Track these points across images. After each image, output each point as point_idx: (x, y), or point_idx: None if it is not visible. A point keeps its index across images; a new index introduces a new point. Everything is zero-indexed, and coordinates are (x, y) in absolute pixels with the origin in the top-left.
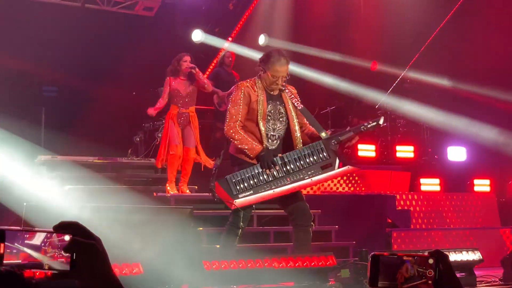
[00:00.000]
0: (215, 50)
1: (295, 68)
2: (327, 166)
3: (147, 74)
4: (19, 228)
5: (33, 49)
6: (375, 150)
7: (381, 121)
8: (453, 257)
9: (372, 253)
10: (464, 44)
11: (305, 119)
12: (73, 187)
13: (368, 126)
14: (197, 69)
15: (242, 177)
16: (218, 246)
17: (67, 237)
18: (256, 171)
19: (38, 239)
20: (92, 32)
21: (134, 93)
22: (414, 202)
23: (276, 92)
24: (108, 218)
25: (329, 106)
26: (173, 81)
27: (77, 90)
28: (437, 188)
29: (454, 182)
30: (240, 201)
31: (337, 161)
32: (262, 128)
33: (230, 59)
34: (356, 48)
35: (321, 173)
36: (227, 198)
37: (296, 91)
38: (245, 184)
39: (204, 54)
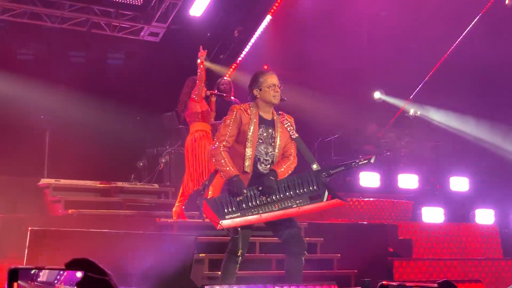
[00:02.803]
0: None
1: (298, 97)
2: (315, 197)
3: (151, 99)
4: (31, 267)
5: (37, 72)
6: (378, 179)
7: (372, 160)
8: None
9: (380, 283)
10: None
11: (291, 150)
12: (76, 211)
13: (360, 163)
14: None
15: (231, 199)
16: (219, 273)
17: (79, 274)
18: (245, 193)
19: (50, 276)
20: (97, 57)
21: (138, 118)
22: (416, 232)
23: (269, 117)
24: (111, 244)
25: (332, 134)
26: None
27: (81, 114)
28: (440, 218)
29: (457, 212)
30: (226, 222)
31: (326, 193)
32: (249, 152)
33: (224, 86)
34: (360, 77)
35: (309, 203)
36: (214, 218)
37: (293, 120)
38: (233, 206)
39: (209, 80)
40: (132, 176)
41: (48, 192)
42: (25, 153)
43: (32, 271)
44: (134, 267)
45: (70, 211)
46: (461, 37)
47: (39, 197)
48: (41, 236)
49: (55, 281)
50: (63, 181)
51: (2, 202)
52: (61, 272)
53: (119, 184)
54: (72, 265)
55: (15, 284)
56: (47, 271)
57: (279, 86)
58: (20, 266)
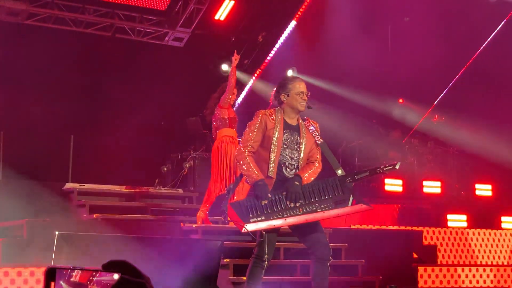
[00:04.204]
0: (244, 83)
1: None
2: (340, 202)
3: (176, 104)
4: (69, 266)
5: (62, 76)
6: (402, 185)
7: (397, 166)
8: None
9: None
10: None
11: (316, 155)
12: (101, 215)
13: (385, 169)
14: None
15: (256, 202)
16: (244, 278)
17: (116, 276)
18: (270, 197)
19: (84, 277)
20: (122, 61)
21: (162, 123)
22: (440, 238)
23: (294, 122)
24: (139, 249)
25: (356, 140)
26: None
27: (106, 119)
28: (464, 224)
29: (481, 218)
30: (251, 226)
31: (351, 198)
32: (273, 157)
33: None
34: (385, 82)
35: (334, 208)
36: (238, 222)
37: (318, 126)
38: (258, 210)
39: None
40: (157, 180)
41: (73, 197)
42: (49, 157)
43: (68, 271)
44: (159, 272)
45: (95, 215)
46: (485, 42)
47: (64, 202)
48: (68, 241)
49: (89, 282)
50: (88, 186)
51: (27, 206)
52: (95, 273)
53: (144, 188)
54: (109, 266)
55: (52, 284)
56: (81, 271)
57: (307, 94)
58: (57, 266)
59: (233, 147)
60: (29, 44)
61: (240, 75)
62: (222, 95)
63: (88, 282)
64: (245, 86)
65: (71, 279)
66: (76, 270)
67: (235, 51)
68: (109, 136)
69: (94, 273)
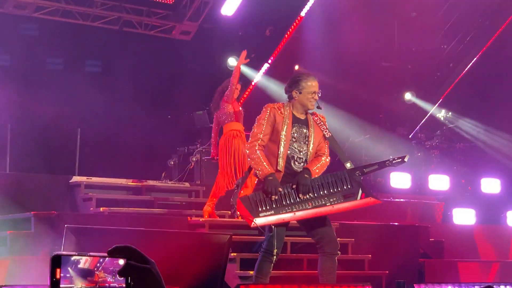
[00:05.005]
0: (251, 77)
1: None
2: (349, 196)
3: (182, 98)
4: (74, 253)
5: (69, 70)
6: (409, 180)
7: (406, 159)
8: None
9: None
10: None
11: (325, 149)
12: (107, 209)
13: (393, 162)
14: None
15: (264, 197)
16: (251, 272)
17: (121, 261)
18: (281, 191)
19: (91, 263)
20: (128, 55)
21: (169, 116)
22: (447, 233)
23: (303, 116)
24: (147, 243)
25: (363, 135)
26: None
27: (111, 112)
28: (471, 219)
29: (488, 214)
30: (260, 220)
31: (360, 191)
32: (282, 150)
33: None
34: (392, 78)
35: (343, 202)
36: (248, 216)
37: (325, 119)
38: (267, 204)
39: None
40: (163, 174)
41: (80, 190)
42: (56, 150)
43: (74, 258)
44: (167, 265)
45: (101, 209)
46: (492, 38)
47: (71, 195)
48: (77, 234)
49: (96, 269)
50: (94, 179)
51: (34, 199)
52: (102, 259)
53: (150, 182)
54: (115, 252)
55: (58, 270)
56: (88, 258)
57: (318, 93)
58: (63, 253)
59: (240, 141)
60: (37, 37)
61: (247, 69)
62: (226, 89)
63: (95, 269)
64: (252, 81)
65: (78, 266)
66: (82, 257)
67: (245, 51)
68: (116, 130)
69: (100, 259)
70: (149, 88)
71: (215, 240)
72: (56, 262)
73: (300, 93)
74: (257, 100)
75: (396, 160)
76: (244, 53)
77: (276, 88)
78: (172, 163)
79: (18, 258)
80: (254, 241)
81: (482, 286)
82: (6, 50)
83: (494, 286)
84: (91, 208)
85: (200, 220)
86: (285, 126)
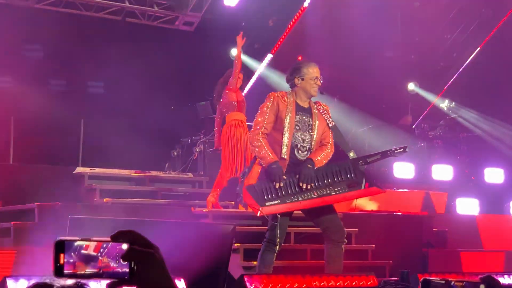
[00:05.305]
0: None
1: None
2: (353, 185)
3: (186, 88)
4: (77, 238)
5: (72, 60)
6: (412, 170)
7: (407, 149)
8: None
9: (423, 278)
10: None
11: (329, 138)
12: (111, 200)
13: (395, 151)
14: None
15: (270, 185)
16: (255, 263)
17: (124, 246)
18: (285, 179)
19: (94, 248)
20: (131, 46)
21: (172, 107)
22: (450, 223)
23: (306, 105)
24: (151, 233)
25: (365, 125)
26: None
27: (115, 103)
28: (474, 209)
29: (492, 203)
30: (267, 209)
31: (364, 181)
32: (286, 139)
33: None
34: (395, 68)
35: (348, 191)
36: (254, 205)
37: (328, 108)
38: (273, 193)
39: (243, 70)
40: (167, 165)
41: (84, 181)
42: (60, 141)
43: (77, 243)
44: (171, 256)
45: (105, 199)
46: (495, 28)
47: (74, 186)
48: (81, 224)
49: (99, 254)
50: (98, 170)
51: (38, 190)
52: (105, 244)
53: (154, 173)
54: (118, 237)
55: (62, 255)
56: (91, 243)
57: (320, 79)
58: (66, 238)
59: (242, 130)
60: (39, 28)
61: (250, 60)
62: (228, 79)
63: (99, 254)
64: (255, 71)
65: (82, 251)
66: (85, 242)
67: (241, 32)
68: (119, 120)
69: (103, 245)
70: (152, 79)
71: (218, 231)
72: (60, 247)
73: (303, 79)
74: (260, 91)
75: (398, 150)
76: (239, 37)
77: (279, 79)
78: (176, 153)
79: (22, 249)
80: (258, 232)
81: (483, 275)
82: (9, 41)
83: (496, 276)
84: (95, 199)
85: (204, 210)
86: (289, 114)
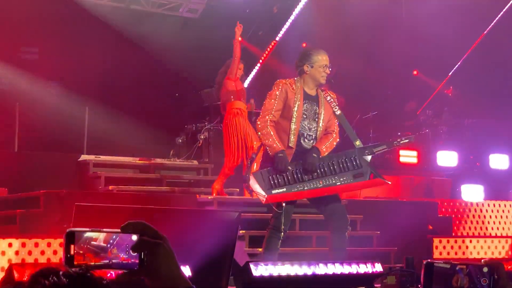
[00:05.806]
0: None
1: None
2: (358, 175)
3: (190, 76)
4: (87, 229)
5: (76, 48)
6: (417, 157)
7: (412, 139)
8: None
9: (426, 261)
10: None
11: (334, 126)
12: (116, 187)
13: (401, 142)
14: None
15: (277, 173)
16: (260, 249)
17: (134, 237)
18: (291, 169)
19: (104, 239)
20: (136, 33)
21: (177, 94)
22: (455, 210)
23: (313, 93)
24: (157, 220)
25: (371, 111)
26: None
27: (120, 91)
28: (479, 195)
29: (496, 190)
30: (272, 196)
31: (369, 171)
32: (294, 127)
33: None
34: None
35: (353, 181)
36: (260, 192)
37: (335, 96)
38: (279, 180)
39: (246, 60)
40: (171, 152)
41: (88, 168)
42: (65, 129)
43: (87, 234)
44: (176, 243)
45: (110, 187)
46: (501, 13)
47: (79, 173)
48: (86, 212)
49: (109, 245)
50: (103, 158)
51: (43, 178)
52: (115, 236)
53: (159, 160)
54: (128, 228)
55: (72, 246)
56: (101, 234)
57: (329, 67)
58: (77, 229)
59: (242, 119)
60: (44, 16)
61: (254, 47)
62: (228, 69)
63: (109, 245)
64: (259, 59)
65: (92, 242)
66: (95, 233)
67: (237, 22)
68: (123, 108)
69: (113, 236)
70: (157, 66)
71: (224, 218)
72: (70, 238)
73: (312, 66)
74: (264, 78)
75: (404, 140)
76: (237, 28)
77: (283, 66)
78: (180, 141)
79: (28, 237)
80: (263, 219)
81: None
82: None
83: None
84: (100, 187)
85: (209, 197)
86: (297, 103)
